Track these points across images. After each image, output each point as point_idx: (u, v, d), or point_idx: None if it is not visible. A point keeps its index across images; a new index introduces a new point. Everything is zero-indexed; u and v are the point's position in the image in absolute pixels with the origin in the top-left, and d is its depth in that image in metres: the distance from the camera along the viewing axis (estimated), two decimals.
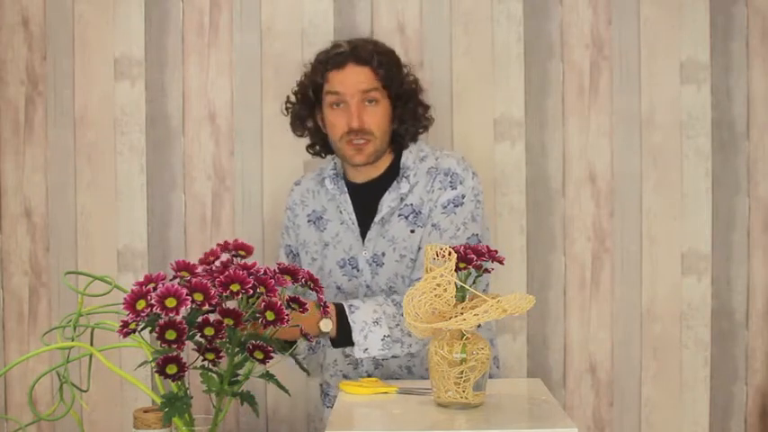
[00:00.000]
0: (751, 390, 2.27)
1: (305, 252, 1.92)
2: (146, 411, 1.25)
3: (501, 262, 1.38)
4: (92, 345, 1.24)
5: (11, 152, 2.30)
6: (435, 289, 1.32)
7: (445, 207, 1.78)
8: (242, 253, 1.30)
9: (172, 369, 1.13)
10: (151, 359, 1.16)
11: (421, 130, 1.91)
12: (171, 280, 1.18)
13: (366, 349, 1.69)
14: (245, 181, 2.28)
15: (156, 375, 1.15)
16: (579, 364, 2.27)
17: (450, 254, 1.33)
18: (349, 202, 1.86)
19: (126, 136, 2.29)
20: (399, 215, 1.82)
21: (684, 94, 2.26)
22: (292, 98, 1.94)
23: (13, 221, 2.30)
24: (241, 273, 1.18)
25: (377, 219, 1.82)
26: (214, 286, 1.15)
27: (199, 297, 1.14)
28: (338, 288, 1.86)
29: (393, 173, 1.86)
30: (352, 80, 1.80)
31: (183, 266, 1.22)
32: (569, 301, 2.27)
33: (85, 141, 2.30)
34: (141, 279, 1.16)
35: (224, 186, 2.28)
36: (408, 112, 1.87)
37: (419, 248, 1.80)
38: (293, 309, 1.24)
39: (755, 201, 2.26)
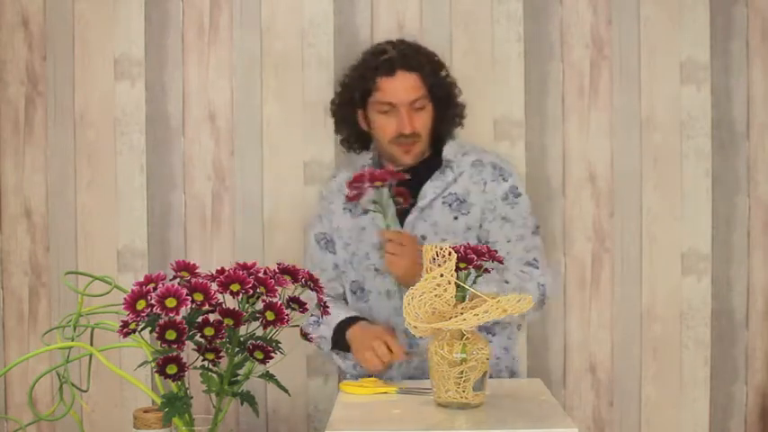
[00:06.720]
0: (751, 390, 2.26)
1: (338, 237, 1.98)
2: (146, 411, 1.25)
3: (501, 261, 1.38)
4: (92, 345, 1.23)
5: (11, 152, 2.30)
6: (435, 289, 1.32)
7: (505, 199, 1.88)
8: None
9: (172, 369, 1.13)
10: (151, 359, 1.16)
11: (456, 127, 2.02)
12: (171, 280, 1.18)
13: None
14: (245, 181, 2.28)
15: (156, 375, 1.14)
16: (579, 364, 2.27)
17: (450, 254, 1.33)
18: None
19: (126, 136, 2.29)
20: (443, 202, 1.90)
21: (684, 94, 2.26)
22: (336, 99, 2.03)
23: (13, 221, 2.30)
24: (241, 273, 1.18)
25: (420, 204, 1.90)
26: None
27: (199, 297, 1.14)
28: (376, 270, 1.92)
29: (430, 164, 1.94)
30: (403, 89, 1.88)
31: (182, 266, 1.21)
32: (569, 301, 2.27)
33: (85, 141, 2.30)
34: (141, 279, 1.16)
35: (224, 186, 2.28)
36: (449, 113, 1.97)
37: (487, 242, 1.87)
38: (293, 309, 1.24)
39: (755, 201, 2.26)
